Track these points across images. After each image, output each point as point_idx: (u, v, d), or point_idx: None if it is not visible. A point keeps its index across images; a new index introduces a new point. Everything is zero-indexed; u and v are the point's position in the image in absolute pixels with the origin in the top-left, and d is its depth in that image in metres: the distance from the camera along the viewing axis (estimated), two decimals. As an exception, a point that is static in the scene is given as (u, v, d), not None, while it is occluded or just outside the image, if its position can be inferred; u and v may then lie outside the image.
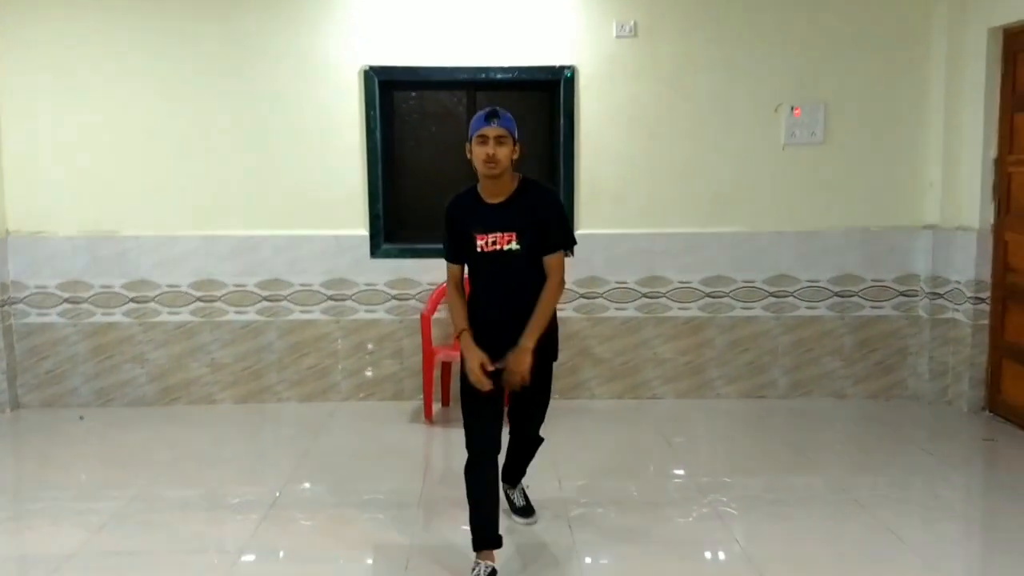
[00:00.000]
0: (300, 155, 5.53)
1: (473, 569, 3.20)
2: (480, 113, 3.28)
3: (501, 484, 3.54)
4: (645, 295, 5.69)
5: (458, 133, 5.68)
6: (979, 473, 4.71)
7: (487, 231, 3.26)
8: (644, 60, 5.54)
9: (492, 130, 3.22)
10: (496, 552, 3.29)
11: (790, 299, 5.72)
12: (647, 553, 3.55)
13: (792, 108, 5.57)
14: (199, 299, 5.61)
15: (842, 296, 5.71)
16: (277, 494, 4.16)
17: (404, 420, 5.34)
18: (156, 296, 5.60)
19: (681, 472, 4.52)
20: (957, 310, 5.45)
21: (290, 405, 5.66)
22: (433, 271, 5.53)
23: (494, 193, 3.29)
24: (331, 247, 5.55)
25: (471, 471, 3.27)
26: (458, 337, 3.32)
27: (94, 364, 5.63)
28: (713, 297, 5.71)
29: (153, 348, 5.64)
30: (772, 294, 5.71)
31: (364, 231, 5.58)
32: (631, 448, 4.89)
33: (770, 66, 5.57)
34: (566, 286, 3.99)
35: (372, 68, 5.47)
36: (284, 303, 5.62)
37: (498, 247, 3.25)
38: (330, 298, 5.61)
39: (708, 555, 3.56)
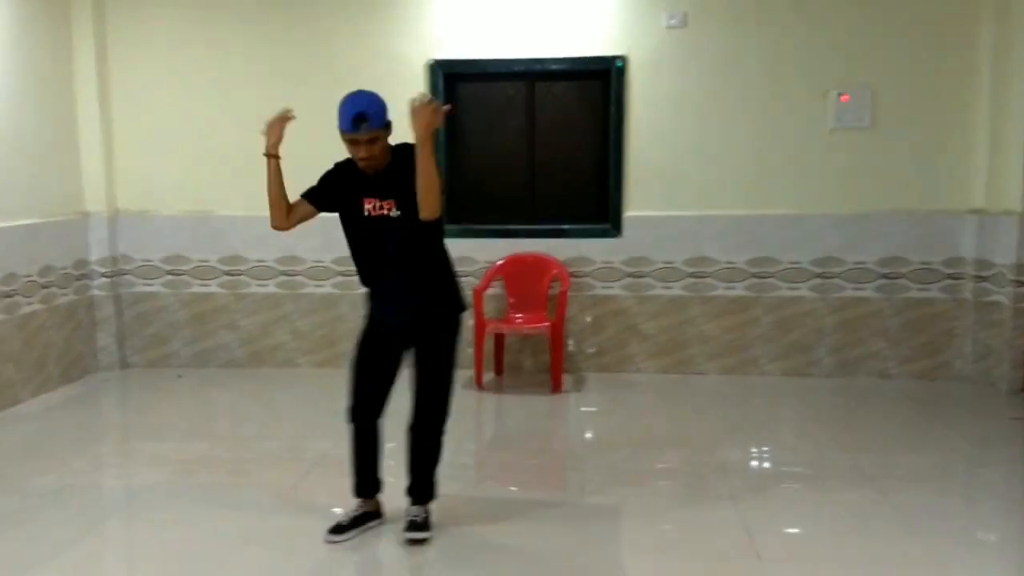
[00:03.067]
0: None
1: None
2: (346, 110, 3.22)
3: (406, 498, 3.58)
4: (691, 275, 5.97)
5: (516, 121, 6.09)
6: (1017, 452, 4.79)
7: (371, 196, 3.33)
8: (693, 48, 5.80)
9: (362, 136, 3.21)
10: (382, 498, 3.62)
11: (836, 280, 5.89)
12: (659, 530, 3.66)
13: (839, 94, 5.72)
14: (283, 273, 6.22)
15: (889, 278, 5.84)
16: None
17: (457, 387, 5.80)
18: (246, 270, 6.25)
19: (716, 445, 4.75)
20: (1000, 293, 5.52)
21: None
22: (489, 250, 5.97)
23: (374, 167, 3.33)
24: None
25: (350, 423, 3.52)
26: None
27: (192, 330, 6.33)
28: (759, 277, 5.93)
29: (243, 316, 6.29)
30: (818, 275, 5.90)
31: (429, 212, 6.06)
32: (672, 420, 5.20)
33: (818, 52, 5.73)
34: None
35: (437, 61, 5.92)
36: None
37: (384, 212, 3.31)
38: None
39: (737, 538, 3.87)
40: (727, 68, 5.80)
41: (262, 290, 6.26)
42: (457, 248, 6.07)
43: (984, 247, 5.63)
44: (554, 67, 5.90)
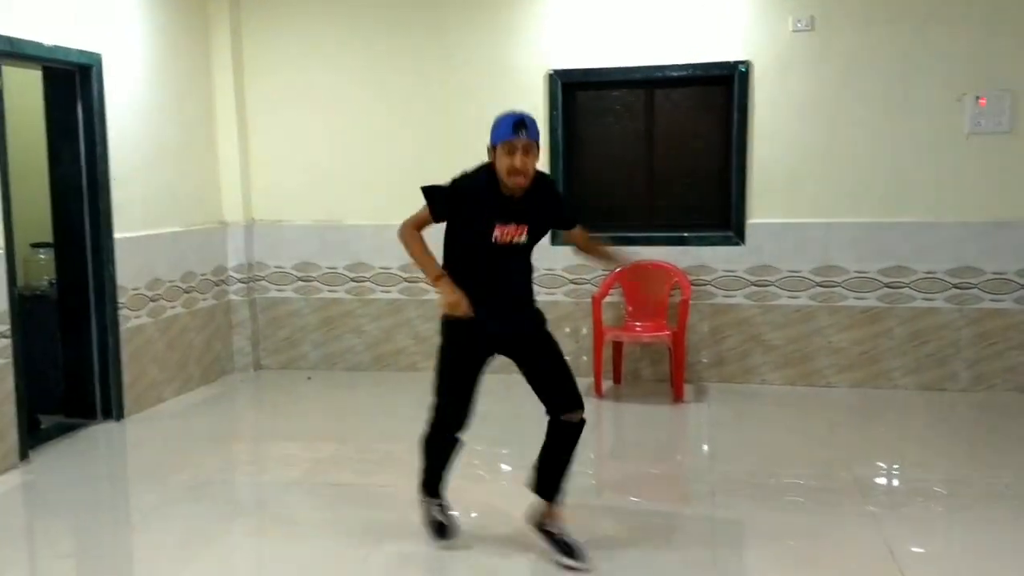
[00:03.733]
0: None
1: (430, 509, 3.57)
2: (506, 119, 3.23)
3: (537, 507, 3.50)
4: (819, 284, 5.80)
5: (635, 128, 6.07)
6: None
7: (506, 221, 3.26)
8: (820, 53, 5.64)
9: (521, 142, 3.19)
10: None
11: (974, 291, 5.61)
12: (792, 547, 3.55)
13: (977, 97, 5.45)
14: (405, 279, 6.39)
15: (1032, 289, 5.53)
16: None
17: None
18: (371, 276, 6.45)
19: (851, 461, 4.55)
20: None
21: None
22: (610, 258, 5.96)
23: (515, 193, 3.27)
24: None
25: (432, 439, 3.48)
26: (437, 281, 3.27)
27: (321, 333, 6.57)
28: (892, 287, 5.71)
29: (368, 321, 6.49)
30: (955, 285, 5.63)
31: (549, 220, 6.11)
32: (800, 433, 5.06)
33: (951, 55, 5.48)
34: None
35: (555, 71, 5.97)
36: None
37: (512, 238, 3.28)
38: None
39: (861, 552, 3.76)
40: (856, 72, 5.61)
41: (386, 296, 6.45)
42: (573, 256, 6.16)
43: None
44: (674, 73, 5.85)
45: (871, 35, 5.57)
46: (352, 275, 6.48)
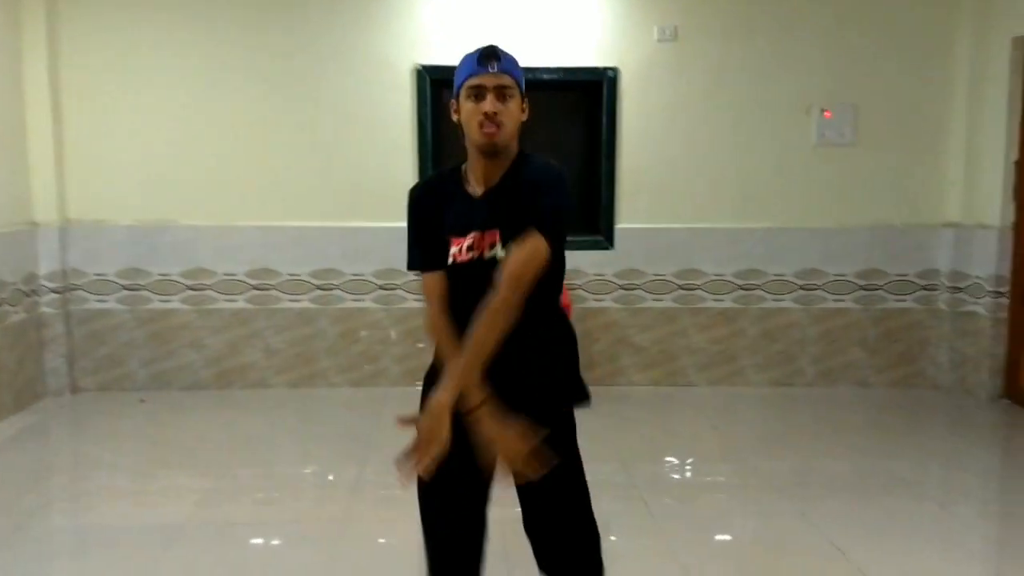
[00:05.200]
0: (353, 148, 5.74)
1: None
2: (471, 54, 2.24)
3: None
4: (682, 287, 5.96)
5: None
6: (996, 458, 5.00)
7: (463, 232, 2.22)
8: (683, 62, 5.80)
9: (491, 78, 2.18)
10: None
11: (819, 292, 6.01)
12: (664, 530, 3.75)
13: (823, 110, 5.85)
14: (255, 287, 5.82)
15: (867, 290, 6.00)
16: (331, 478, 4.39)
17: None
18: (213, 284, 5.81)
19: (710, 456, 4.79)
20: (976, 304, 5.76)
21: (342, 390, 5.87)
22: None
23: (488, 175, 2.25)
24: (383, 238, 5.76)
25: None
26: (477, 407, 2.10)
27: (151, 350, 5.82)
28: (746, 289, 5.99)
29: (209, 334, 5.84)
30: (802, 287, 6.00)
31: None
32: (670, 433, 5.17)
33: (803, 70, 5.84)
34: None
35: (424, 67, 5.70)
36: (336, 292, 5.84)
37: (476, 254, 2.21)
38: (380, 287, 5.84)
39: (726, 533, 3.84)
40: (716, 82, 5.84)
41: (231, 305, 5.83)
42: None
43: (960, 259, 5.87)
44: (545, 76, 5.78)
45: (730, 47, 5.81)
46: (189, 283, 5.80)
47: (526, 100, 2.31)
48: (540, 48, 5.73)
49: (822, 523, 3.80)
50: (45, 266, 5.58)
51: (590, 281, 5.90)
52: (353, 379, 5.91)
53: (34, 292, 5.52)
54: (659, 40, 5.78)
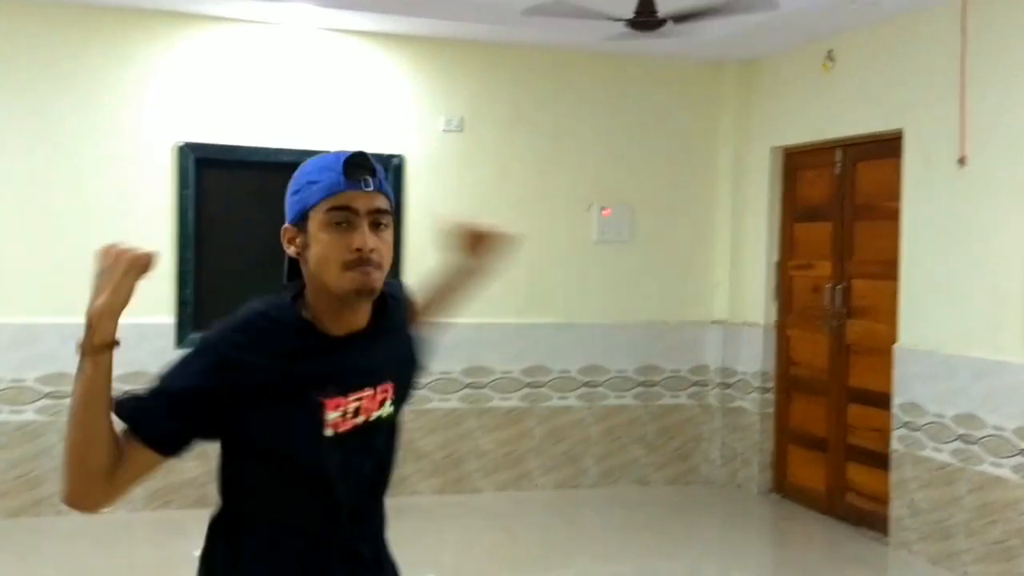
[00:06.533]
0: (98, 233, 4.94)
1: None
2: (326, 159, 1.60)
3: None
4: (469, 385, 5.68)
5: (274, 213, 5.39)
6: (769, 553, 5.16)
7: (344, 391, 1.62)
8: (469, 153, 5.67)
9: (365, 199, 1.56)
10: None
11: (601, 388, 5.97)
12: None
13: (602, 208, 5.92)
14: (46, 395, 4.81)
15: (645, 386, 6.06)
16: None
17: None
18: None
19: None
20: (744, 399, 5.99)
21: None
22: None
23: (350, 318, 1.63)
24: (131, 336, 4.95)
25: None
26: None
27: None
28: (532, 387, 5.82)
29: None
30: (585, 383, 5.94)
31: (170, 318, 5.09)
32: (456, 544, 4.94)
33: (582, 167, 5.91)
34: None
35: (188, 144, 5.08)
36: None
37: (364, 416, 1.65)
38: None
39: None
40: (501, 174, 5.75)
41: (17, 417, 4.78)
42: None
43: (728, 356, 6.10)
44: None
45: (513, 141, 5.76)
46: None
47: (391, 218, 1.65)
48: (323, 132, 5.33)
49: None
50: None
51: (372, 382, 5.46)
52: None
53: None
54: (445, 130, 5.61)
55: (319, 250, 1.57)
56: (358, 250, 1.55)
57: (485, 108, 5.69)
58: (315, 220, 1.57)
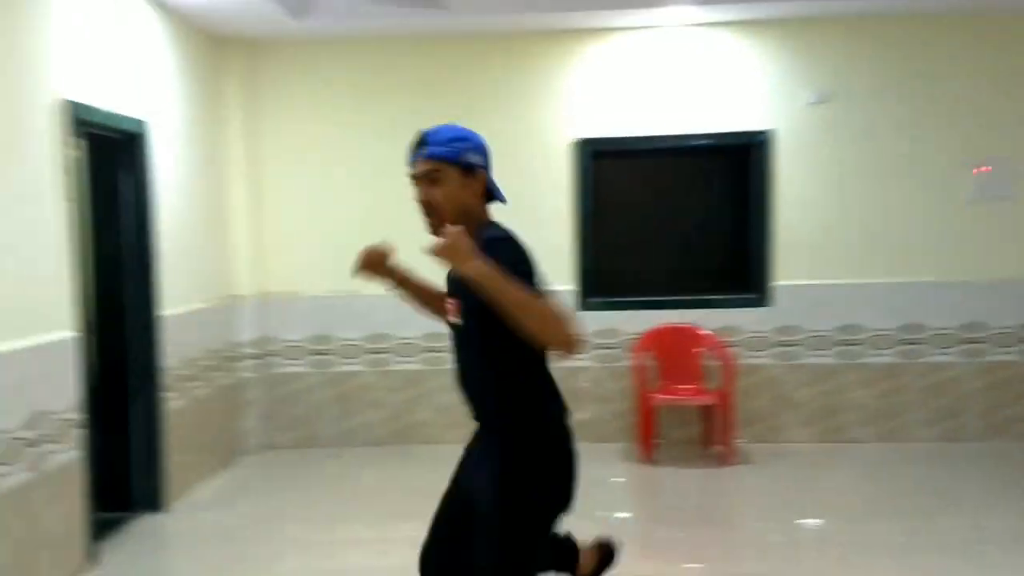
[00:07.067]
0: (514, 217, 6.12)
1: None
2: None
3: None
4: (842, 342, 6.04)
5: (659, 195, 6.22)
6: None
7: (449, 295, 2.52)
8: (835, 123, 5.97)
9: (417, 166, 2.39)
10: None
11: (984, 345, 5.97)
12: None
13: (977, 165, 5.87)
14: (426, 349, 6.25)
15: (1029, 341, 5.95)
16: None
17: (619, 460, 5.78)
18: (391, 347, 6.28)
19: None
20: None
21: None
22: (634, 322, 6.05)
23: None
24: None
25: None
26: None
27: (338, 409, 6.32)
28: (908, 343, 6.01)
29: (388, 393, 6.30)
30: (966, 340, 5.98)
31: (572, 285, 6.12)
32: (831, 490, 5.24)
33: (952, 128, 5.91)
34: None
35: (582, 140, 6.07)
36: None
37: (452, 319, 2.49)
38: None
39: None
40: (868, 142, 5.96)
41: (406, 367, 6.29)
42: (601, 320, 6.19)
43: None
44: (697, 143, 6.05)
45: (882, 108, 5.94)
46: (370, 346, 6.30)
47: (475, 168, 2.37)
48: (692, 116, 6.02)
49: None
50: (246, 334, 6.17)
51: (746, 338, 6.06)
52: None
53: (236, 359, 6.11)
54: (811, 103, 5.97)
55: None
56: (418, 202, 2.39)
57: (850, 80, 5.94)
58: None
